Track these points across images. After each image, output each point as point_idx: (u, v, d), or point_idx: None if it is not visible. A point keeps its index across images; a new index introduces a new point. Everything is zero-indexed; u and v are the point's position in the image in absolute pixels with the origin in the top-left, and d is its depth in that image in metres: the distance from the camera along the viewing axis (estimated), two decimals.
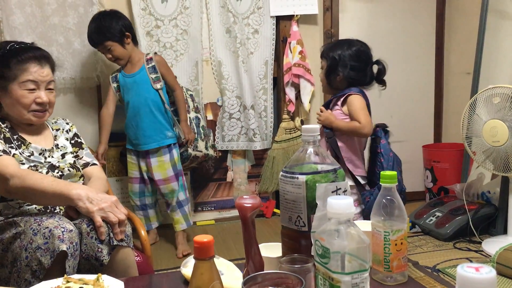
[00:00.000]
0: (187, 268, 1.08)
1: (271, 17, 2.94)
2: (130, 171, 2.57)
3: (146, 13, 2.74)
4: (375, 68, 2.05)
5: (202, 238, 0.76)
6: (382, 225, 1.00)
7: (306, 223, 0.91)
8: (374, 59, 2.08)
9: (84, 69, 2.69)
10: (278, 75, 3.05)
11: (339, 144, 2.00)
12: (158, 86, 2.42)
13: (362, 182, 2.02)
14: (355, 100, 1.93)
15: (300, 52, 2.92)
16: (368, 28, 3.13)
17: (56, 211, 1.50)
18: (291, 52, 2.95)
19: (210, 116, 2.98)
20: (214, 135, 2.97)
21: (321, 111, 2.04)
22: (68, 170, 1.55)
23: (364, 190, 2.01)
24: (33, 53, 1.48)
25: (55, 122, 1.68)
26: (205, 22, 2.89)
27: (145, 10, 2.74)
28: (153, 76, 2.42)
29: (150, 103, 2.42)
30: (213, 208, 3.05)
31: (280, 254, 0.99)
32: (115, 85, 2.51)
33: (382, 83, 2.05)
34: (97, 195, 1.32)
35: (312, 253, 0.81)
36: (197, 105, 2.66)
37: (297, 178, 0.91)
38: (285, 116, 3.03)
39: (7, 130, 1.49)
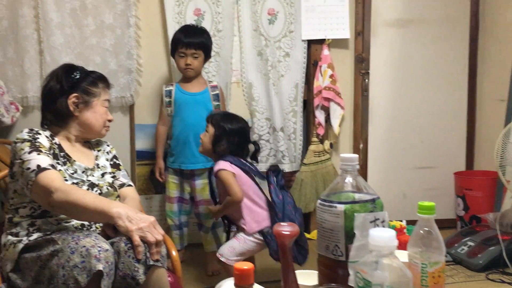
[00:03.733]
0: None
1: (303, 40, 2.99)
2: (170, 190, 2.58)
3: None
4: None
5: (242, 265, 0.78)
6: (420, 256, 0.99)
7: (343, 252, 0.92)
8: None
9: (119, 89, 2.77)
10: (308, 98, 3.08)
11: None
12: None
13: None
14: (224, 175, 2.06)
15: (331, 76, 2.95)
16: (399, 53, 3.15)
17: (92, 229, 1.55)
18: (321, 75, 2.98)
19: None
20: None
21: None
22: (107, 189, 1.61)
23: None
24: (107, 80, 1.73)
25: (97, 143, 1.76)
26: (236, 44, 2.95)
27: None
28: (215, 103, 2.56)
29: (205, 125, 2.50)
30: None
31: (316, 282, 1.00)
32: (167, 99, 2.57)
33: (256, 160, 2.28)
34: (136, 214, 1.35)
35: (351, 284, 0.82)
36: None
37: (336, 207, 0.93)
38: (314, 139, 3.04)
39: (56, 146, 1.56)
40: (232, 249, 2.09)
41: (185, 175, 2.55)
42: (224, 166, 2.07)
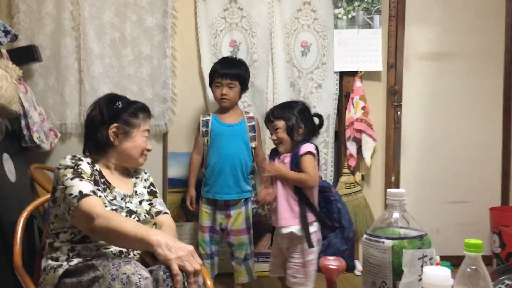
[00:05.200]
0: None
1: (335, 72, 3.01)
2: (203, 220, 2.59)
3: None
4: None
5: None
6: None
7: None
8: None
9: (154, 117, 2.81)
10: (340, 129, 3.08)
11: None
12: (253, 144, 2.59)
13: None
14: (310, 158, 2.12)
15: (363, 108, 2.95)
16: (433, 86, 3.13)
17: (130, 256, 1.56)
18: (353, 107, 2.99)
19: None
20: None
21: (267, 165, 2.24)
22: (144, 216, 1.63)
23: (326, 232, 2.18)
24: (149, 110, 1.76)
25: (135, 171, 1.79)
26: (270, 75, 2.99)
27: None
28: (251, 134, 2.59)
29: (241, 156, 2.54)
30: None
31: None
32: (203, 129, 2.59)
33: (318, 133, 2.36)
34: (175, 243, 1.36)
35: None
36: None
37: (383, 242, 0.92)
38: (345, 170, 3.02)
39: (97, 173, 1.60)
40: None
41: (218, 205, 2.56)
42: (312, 148, 2.11)
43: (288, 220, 2.13)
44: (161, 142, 2.91)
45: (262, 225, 3.02)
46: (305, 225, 2.07)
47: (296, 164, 2.13)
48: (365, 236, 0.96)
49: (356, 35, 3.00)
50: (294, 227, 2.12)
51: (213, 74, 2.55)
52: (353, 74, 3.01)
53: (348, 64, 3.01)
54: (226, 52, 2.89)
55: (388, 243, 0.91)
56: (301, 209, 2.10)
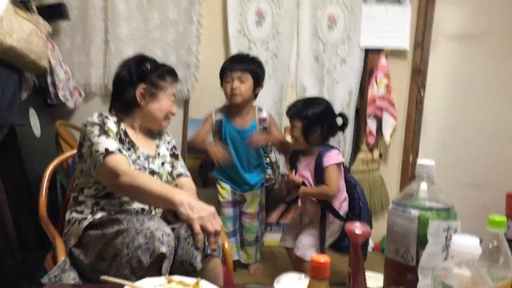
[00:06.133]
0: (280, 284, 1.11)
1: (361, 48, 2.97)
2: (222, 195, 2.54)
3: (241, 35, 2.86)
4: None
5: (319, 258, 0.79)
6: (487, 270, 0.98)
7: (414, 257, 0.92)
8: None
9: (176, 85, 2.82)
10: (361, 107, 3.06)
11: None
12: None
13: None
14: (330, 171, 2.08)
15: (386, 86, 2.93)
16: (458, 68, 3.08)
17: (152, 213, 1.59)
18: (377, 84, 2.96)
19: (288, 138, 3.02)
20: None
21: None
22: (166, 177, 1.66)
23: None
24: (176, 74, 1.75)
25: (159, 133, 1.81)
26: (294, 47, 2.96)
27: (240, 32, 2.86)
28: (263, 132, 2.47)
29: (252, 159, 2.50)
30: (282, 230, 3.07)
31: (380, 284, 1.00)
32: (216, 128, 2.48)
33: (343, 131, 2.29)
34: (198, 203, 1.39)
35: None
36: None
37: (410, 212, 0.92)
38: (363, 147, 3.02)
39: (122, 132, 1.62)
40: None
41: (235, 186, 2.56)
42: (337, 159, 2.08)
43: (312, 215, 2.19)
44: (182, 107, 2.92)
45: (276, 195, 3.05)
46: (322, 230, 2.13)
47: (319, 175, 2.11)
48: (391, 205, 0.97)
49: (385, 11, 2.94)
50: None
51: (223, 70, 2.40)
52: (379, 51, 2.98)
53: (374, 40, 2.97)
54: (251, 22, 2.86)
55: (415, 212, 0.92)
56: (321, 215, 2.15)
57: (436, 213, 0.92)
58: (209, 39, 2.90)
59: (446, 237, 0.90)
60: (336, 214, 2.12)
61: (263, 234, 2.66)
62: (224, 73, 2.38)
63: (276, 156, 2.66)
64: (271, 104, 2.90)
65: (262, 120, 2.46)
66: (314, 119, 2.08)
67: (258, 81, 2.39)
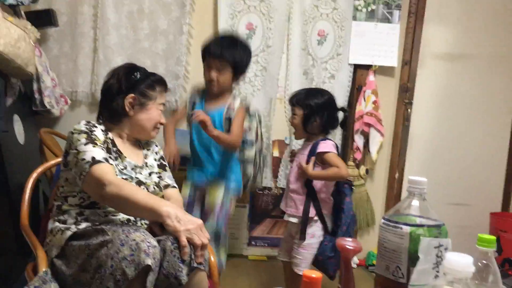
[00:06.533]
0: None
1: (349, 64, 3.00)
2: (183, 193, 2.25)
3: None
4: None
5: (311, 273, 0.78)
6: None
7: (405, 274, 0.91)
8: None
9: (170, 92, 2.80)
10: (348, 122, 3.06)
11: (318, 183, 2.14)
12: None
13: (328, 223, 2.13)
14: (332, 156, 2.08)
15: (374, 102, 2.95)
16: (445, 86, 3.13)
17: (138, 224, 1.56)
18: (364, 100, 2.98)
19: (276, 153, 3.03)
20: (277, 172, 3.01)
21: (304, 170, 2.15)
22: (153, 188, 1.63)
23: (326, 232, 2.12)
24: (165, 84, 1.74)
25: (146, 143, 1.78)
26: (284, 61, 2.97)
27: None
28: (227, 126, 2.20)
29: (214, 148, 2.23)
30: (266, 245, 3.05)
31: None
32: (190, 112, 2.27)
33: (344, 127, 2.40)
34: (185, 215, 1.36)
35: None
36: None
37: (401, 228, 0.92)
38: (350, 163, 3.02)
39: (110, 141, 1.60)
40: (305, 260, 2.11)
41: (199, 189, 2.30)
42: (333, 149, 2.09)
43: (294, 210, 2.15)
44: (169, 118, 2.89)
45: (263, 210, 3.04)
46: (304, 219, 2.09)
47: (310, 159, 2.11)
48: (382, 221, 0.96)
49: (374, 28, 2.98)
50: (293, 218, 2.15)
51: (204, 51, 2.21)
52: (367, 67, 3.01)
53: (363, 57, 3.00)
54: (242, 34, 2.87)
55: (406, 229, 0.91)
56: (305, 203, 2.11)
57: (428, 230, 0.92)
58: (198, 50, 2.87)
59: (437, 255, 0.90)
60: (318, 209, 2.11)
61: (226, 238, 2.32)
62: (205, 54, 2.20)
63: (256, 154, 2.40)
64: None
65: (229, 109, 2.20)
66: (315, 108, 2.11)
67: (239, 70, 2.20)
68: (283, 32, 2.93)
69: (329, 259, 2.08)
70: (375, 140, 2.98)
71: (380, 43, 2.98)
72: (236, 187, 2.30)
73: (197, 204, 2.32)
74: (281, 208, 2.27)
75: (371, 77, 2.98)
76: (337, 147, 2.16)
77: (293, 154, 2.31)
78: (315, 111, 2.12)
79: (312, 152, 2.12)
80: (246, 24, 2.89)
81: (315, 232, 2.11)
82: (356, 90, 3.03)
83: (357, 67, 3.02)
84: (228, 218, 2.30)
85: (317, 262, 2.13)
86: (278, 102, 2.99)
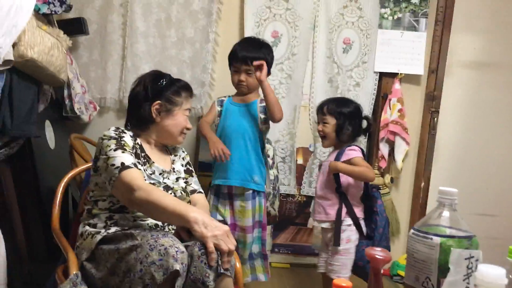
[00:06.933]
0: None
1: (375, 72, 2.99)
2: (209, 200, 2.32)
3: None
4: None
5: (341, 282, 0.78)
6: None
7: (435, 285, 0.91)
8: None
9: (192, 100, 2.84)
10: (373, 130, 3.05)
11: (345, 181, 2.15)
12: (264, 128, 2.33)
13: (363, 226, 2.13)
14: (359, 159, 2.11)
15: (400, 110, 2.93)
16: (472, 95, 3.08)
17: (165, 230, 1.59)
18: (390, 108, 2.96)
19: (300, 160, 3.02)
20: (301, 179, 3.01)
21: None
22: (180, 193, 1.66)
23: (362, 237, 2.12)
24: (191, 90, 1.78)
25: (174, 148, 1.82)
26: (309, 69, 2.98)
27: None
28: (262, 116, 2.30)
29: (247, 137, 2.28)
30: (289, 252, 3.05)
31: None
32: (219, 108, 2.40)
33: (368, 135, 2.47)
34: (212, 221, 1.38)
35: None
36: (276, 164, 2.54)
37: (431, 239, 0.91)
38: (375, 171, 3.00)
39: (138, 146, 1.63)
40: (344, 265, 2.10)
41: (221, 194, 2.34)
42: (360, 153, 2.12)
43: (323, 216, 2.15)
44: (195, 124, 2.92)
45: (285, 217, 3.04)
46: (338, 223, 2.08)
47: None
48: (412, 231, 0.96)
49: (400, 36, 2.97)
50: (324, 224, 2.15)
51: (232, 56, 2.32)
52: (393, 75, 2.99)
53: (388, 65, 2.98)
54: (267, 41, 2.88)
55: (437, 239, 0.91)
56: (338, 208, 2.11)
57: (458, 241, 0.91)
58: (224, 58, 2.90)
59: (468, 266, 0.89)
60: (351, 213, 2.10)
61: (263, 253, 2.38)
62: (232, 61, 2.32)
63: (274, 179, 2.45)
64: (283, 124, 2.91)
65: (263, 100, 2.30)
66: (348, 117, 2.17)
67: (268, 71, 2.30)
68: (308, 40, 2.94)
69: (365, 265, 2.07)
70: (401, 148, 2.95)
71: (406, 51, 2.97)
72: (261, 194, 2.33)
73: (226, 210, 2.33)
74: (312, 218, 2.28)
75: (396, 85, 2.97)
76: (363, 152, 2.17)
77: (321, 165, 2.31)
78: (347, 119, 2.16)
79: (338, 158, 2.14)
80: (272, 32, 2.91)
81: (350, 237, 2.09)
82: (381, 98, 3.01)
83: (382, 75, 3.01)
84: (265, 230, 2.38)
85: (357, 269, 2.11)
86: (303, 110, 3.00)
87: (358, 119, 2.20)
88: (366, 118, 2.26)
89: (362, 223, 2.13)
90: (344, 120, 2.16)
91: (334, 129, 2.18)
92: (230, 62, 2.35)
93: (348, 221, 2.10)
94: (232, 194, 2.32)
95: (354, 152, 2.12)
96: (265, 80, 2.21)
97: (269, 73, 2.31)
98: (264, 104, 2.30)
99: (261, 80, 2.21)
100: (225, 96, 2.45)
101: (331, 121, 2.18)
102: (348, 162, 2.10)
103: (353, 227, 2.10)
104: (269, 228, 3.02)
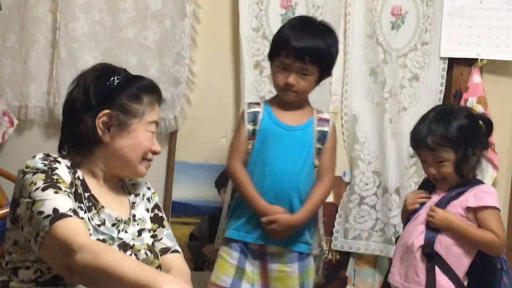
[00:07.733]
0: None
1: (441, 58, 3.01)
2: (220, 273, 2.39)
3: (259, 35, 2.89)
4: None
5: None
6: None
7: None
8: None
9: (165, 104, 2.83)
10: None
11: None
12: (317, 162, 2.40)
13: None
14: (494, 216, 2.13)
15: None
16: None
17: None
18: None
19: (330, 197, 3.01)
20: (332, 226, 3.00)
21: (433, 211, 2.18)
22: (145, 253, 1.64)
23: None
24: (159, 92, 1.76)
25: (134, 184, 1.81)
26: (339, 56, 2.94)
27: (257, 30, 2.90)
28: (318, 146, 2.39)
29: (301, 179, 2.38)
30: None
31: None
32: (250, 127, 2.41)
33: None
34: None
35: None
36: None
37: None
38: None
39: (79, 183, 1.63)
40: None
41: (251, 251, 2.39)
42: (497, 202, 2.14)
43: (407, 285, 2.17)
44: (166, 145, 2.91)
45: (331, 265, 3.02)
46: None
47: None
48: None
49: (478, 3, 2.98)
50: None
51: (280, 45, 2.33)
52: (469, 63, 3.01)
53: (462, 47, 3.00)
54: (274, 15, 2.89)
55: None
56: (429, 275, 2.12)
57: None
58: (209, 41, 2.94)
59: None
60: (451, 274, 2.11)
61: None
62: (280, 52, 2.32)
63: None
64: None
65: (322, 121, 2.43)
66: (468, 138, 2.15)
67: (326, 72, 2.40)
68: (337, 12, 2.96)
69: None
70: (487, 174, 2.95)
71: (489, 26, 2.98)
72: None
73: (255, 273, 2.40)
74: (391, 283, 2.27)
75: (476, 78, 2.97)
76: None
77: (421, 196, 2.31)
78: (470, 143, 2.15)
79: (449, 202, 2.16)
80: (281, 1, 2.93)
81: None
82: (452, 97, 3.02)
83: (453, 63, 3.03)
84: None
85: None
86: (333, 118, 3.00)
87: (477, 132, 2.19)
88: (484, 119, 2.25)
89: None
90: (465, 146, 2.14)
91: (455, 165, 2.16)
92: (273, 53, 2.38)
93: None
94: (267, 253, 2.39)
95: (490, 197, 2.11)
96: (301, 219, 2.32)
97: (330, 74, 2.44)
98: (324, 128, 2.41)
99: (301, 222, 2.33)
100: (257, 103, 2.47)
101: (448, 155, 2.16)
102: (474, 211, 2.10)
103: None
104: None
